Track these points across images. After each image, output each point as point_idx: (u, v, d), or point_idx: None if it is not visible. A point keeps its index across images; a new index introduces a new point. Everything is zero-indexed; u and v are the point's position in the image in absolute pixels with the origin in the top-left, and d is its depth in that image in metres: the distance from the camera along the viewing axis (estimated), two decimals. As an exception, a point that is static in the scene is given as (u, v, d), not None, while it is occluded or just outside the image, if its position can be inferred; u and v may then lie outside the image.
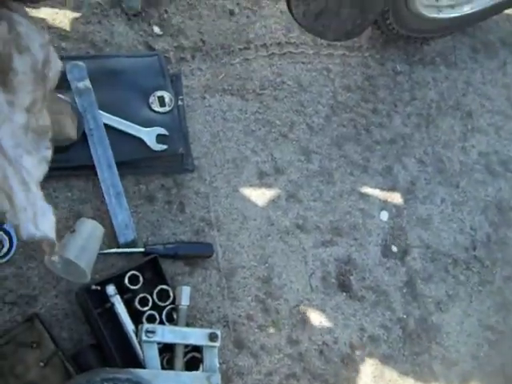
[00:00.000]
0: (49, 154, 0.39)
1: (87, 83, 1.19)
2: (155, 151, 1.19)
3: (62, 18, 1.33)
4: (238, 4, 1.49)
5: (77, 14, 1.34)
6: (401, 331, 1.34)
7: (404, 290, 1.38)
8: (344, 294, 1.32)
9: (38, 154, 0.38)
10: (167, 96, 1.25)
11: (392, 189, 1.46)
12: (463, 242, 1.49)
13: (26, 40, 0.33)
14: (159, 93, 1.25)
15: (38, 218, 0.39)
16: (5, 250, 1.05)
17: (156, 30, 1.39)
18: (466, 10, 1.61)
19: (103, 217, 1.17)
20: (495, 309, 1.45)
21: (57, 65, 0.36)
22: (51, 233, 0.38)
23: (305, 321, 1.27)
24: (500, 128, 1.67)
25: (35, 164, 0.37)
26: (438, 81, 1.66)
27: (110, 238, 1.15)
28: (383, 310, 1.34)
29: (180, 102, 1.30)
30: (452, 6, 1.60)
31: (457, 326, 1.40)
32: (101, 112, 1.19)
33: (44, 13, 1.33)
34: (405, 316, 1.36)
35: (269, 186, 1.34)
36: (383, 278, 1.37)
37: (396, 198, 1.45)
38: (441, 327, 1.38)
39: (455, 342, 1.38)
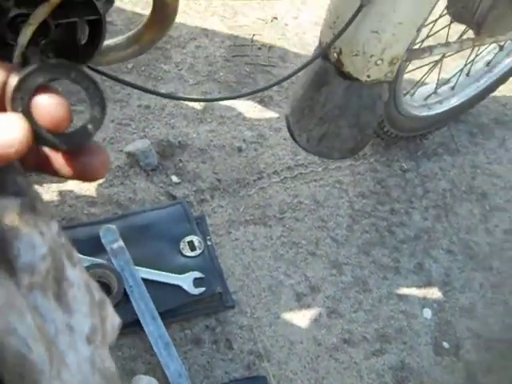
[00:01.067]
0: None
1: (120, 243, 1.26)
2: (194, 295, 1.23)
3: (87, 186, 1.44)
4: (244, 140, 1.61)
5: (100, 180, 1.45)
6: (474, 431, 1.29)
7: (466, 387, 1.34)
8: (407, 402, 1.29)
9: None
10: (196, 239, 1.32)
11: (428, 284, 1.47)
12: (512, 323, 1.47)
13: (77, 255, 0.30)
14: (188, 238, 1.32)
15: None
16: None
17: (174, 179, 1.49)
18: (454, 102, 1.72)
19: (155, 369, 1.18)
20: None
21: (115, 318, 0.31)
22: None
23: None
24: (517, 202, 1.70)
25: None
26: (445, 170, 1.73)
27: (166, 390, 1.16)
28: (451, 412, 1.30)
29: (209, 243, 1.36)
30: (440, 102, 1.71)
31: (530, 414, 1.34)
32: (137, 267, 1.25)
33: (70, 184, 1.44)
34: (474, 414, 1.31)
35: (308, 306, 1.36)
36: (442, 378, 1.34)
37: (434, 292, 1.46)
38: (514, 419, 1.32)
39: (534, 433, 1.32)
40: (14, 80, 0.32)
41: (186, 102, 1.63)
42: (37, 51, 0.96)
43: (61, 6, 0.88)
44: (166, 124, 1.58)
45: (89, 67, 1.10)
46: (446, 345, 1.39)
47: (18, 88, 0.31)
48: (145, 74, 1.66)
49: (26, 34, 0.87)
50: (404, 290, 1.44)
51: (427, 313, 1.42)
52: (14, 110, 0.31)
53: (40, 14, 0.87)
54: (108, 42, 1.19)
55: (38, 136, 0.32)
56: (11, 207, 0.25)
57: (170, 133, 1.56)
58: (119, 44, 1.23)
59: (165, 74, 1.68)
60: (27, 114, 0.31)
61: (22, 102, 0.31)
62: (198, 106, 1.64)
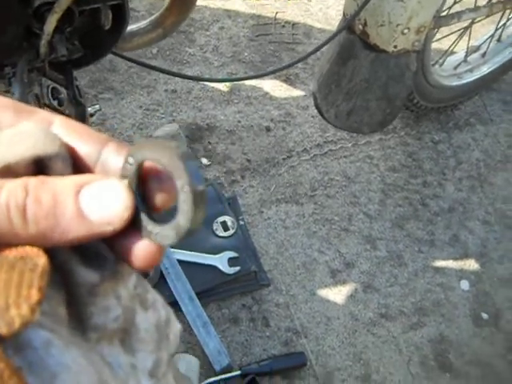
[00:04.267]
0: None
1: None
2: (230, 274, 1.25)
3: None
4: (271, 119, 1.60)
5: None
6: (517, 402, 1.28)
7: (508, 357, 1.32)
8: (447, 374, 1.28)
9: None
10: (229, 220, 1.33)
11: (465, 256, 1.45)
12: (554, 292, 1.44)
13: (152, 295, 0.30)
14: (221, 218, 1.33)
15: None
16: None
17: (204, 161, 1.50)
18: (485, 70, 1.68)
19: (194, 348, 1.20)
20: None
21: (176, 326, 0.32)
22: None
23: (415, 412, 1.23)
24: (555, 170, 1.66)
25: None
26: (478, 140, 1.69)
27: (206, 367, 1.18)
28: (492, 383, 1.29)
29: (241, 222, 1.37)
30: (471, 70, 1.66)
31: None
32: (172, 250, 1.26)
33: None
34: (517, 384, 1.30)
35: (343, 282, 1.36)
36: (482, 349, 1.32)
37: (471, 264, 1.44)
38: (559, 388, 1.30)
39: None
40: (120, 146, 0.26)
41: (213, 85, 1.63)
42: (63, 39, 0.97)
43: (84, -7, 0.88)
44: (194, 107, 1.58)
45: (113, 53, 1.11)
46: (485, 316, 1.37)
47: (132, 153, 0.25)
48: (170, 58, 1.66)
49: (51, 22, 0.88)
50: (440, 263, 1.43)
51: (464, 284, 1.40)
52: (121, 176, 0.25)
53: (64, 1, 0.87)
54: (131, 27, 1.20)
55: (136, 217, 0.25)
56: (91, 280, 0.26)
57: (198, 116, 1.57)
58: (143, 29, 1.23)
59: (190, 58, 1.68)
60: (132, 185, 0.25)
61: (130, 168, 0.25)
62: (224, 87, 1.64)
